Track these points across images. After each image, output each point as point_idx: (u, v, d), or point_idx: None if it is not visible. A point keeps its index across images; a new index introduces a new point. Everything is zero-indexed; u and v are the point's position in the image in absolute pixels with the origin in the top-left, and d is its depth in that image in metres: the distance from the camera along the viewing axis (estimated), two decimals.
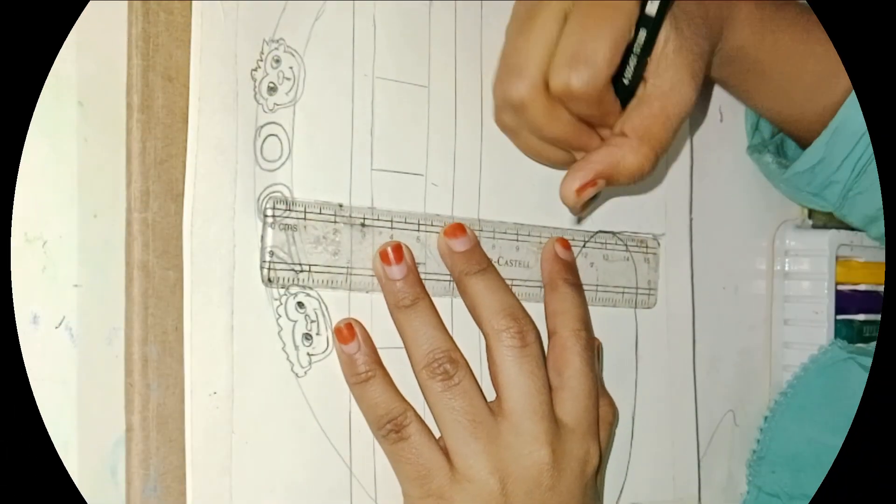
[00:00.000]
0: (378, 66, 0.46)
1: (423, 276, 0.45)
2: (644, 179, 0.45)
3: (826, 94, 0.54)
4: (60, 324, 0.39)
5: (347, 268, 0.44)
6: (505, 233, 0.48)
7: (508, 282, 0.48)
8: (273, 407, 0.42)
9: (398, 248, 0.44)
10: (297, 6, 0.43)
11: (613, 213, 0.53)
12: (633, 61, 0.44)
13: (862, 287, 0.64)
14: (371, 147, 0.45)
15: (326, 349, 0.44)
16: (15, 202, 0.38)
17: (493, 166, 0.49)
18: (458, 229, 0.46)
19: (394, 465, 0.44)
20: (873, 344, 0.61)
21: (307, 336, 0.43)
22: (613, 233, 0.52)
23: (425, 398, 0.44)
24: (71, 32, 0.39)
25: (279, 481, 0.42)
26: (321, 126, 0.44)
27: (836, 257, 0.61)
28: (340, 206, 0.44)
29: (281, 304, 0.42)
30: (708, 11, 0.48)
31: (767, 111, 0.58)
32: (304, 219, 0.43)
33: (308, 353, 0.43)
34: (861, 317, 0.64)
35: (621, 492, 0.53)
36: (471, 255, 0.46)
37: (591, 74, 0.42)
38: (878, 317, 0.63)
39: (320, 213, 0.43)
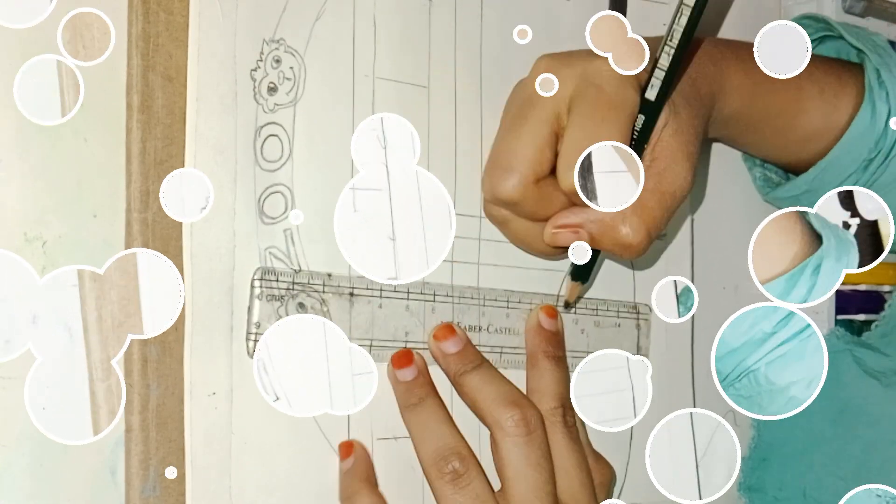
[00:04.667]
0: (378, 67, 0.46)
1: (413, 345, 0.46)
2: (634, 255, 0.45)
3: (817, 143, 0.55)
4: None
5: None
6: (495, 300, 0.48)
7: (497, 349, 0.48)
8: (273, 407, 0.42)
9: (407, 353, 0.45)
10: (298, 6, 0.43)
11: None
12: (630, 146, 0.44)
13: (862, 287, 0.64)
14: None
15: None
16: (15, 202, 0.38)
17: None
18: (447, 331, 0.46)
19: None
20: (872, 338, 0.61)
21: None
22: (604, 300, 0.52)
23: (435, 497, 0.43)
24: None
25: (279, 481, 0.42)
26: (321, 126, 0.44)
27: None
28: (329, 275, 0.44)
29: (282, 304, 0.42)
30: (700, 90, 0.48)
31: (763, 157, 0.60)
32: (292, 290, 0.43)
33: None
34: (861, 317, 0.64)
35: (620, 492, 0.53)
36: (464, 355, 0.46)
37: None
38: (877, 317, 0.62)
39: (308, 284, 0.43)
